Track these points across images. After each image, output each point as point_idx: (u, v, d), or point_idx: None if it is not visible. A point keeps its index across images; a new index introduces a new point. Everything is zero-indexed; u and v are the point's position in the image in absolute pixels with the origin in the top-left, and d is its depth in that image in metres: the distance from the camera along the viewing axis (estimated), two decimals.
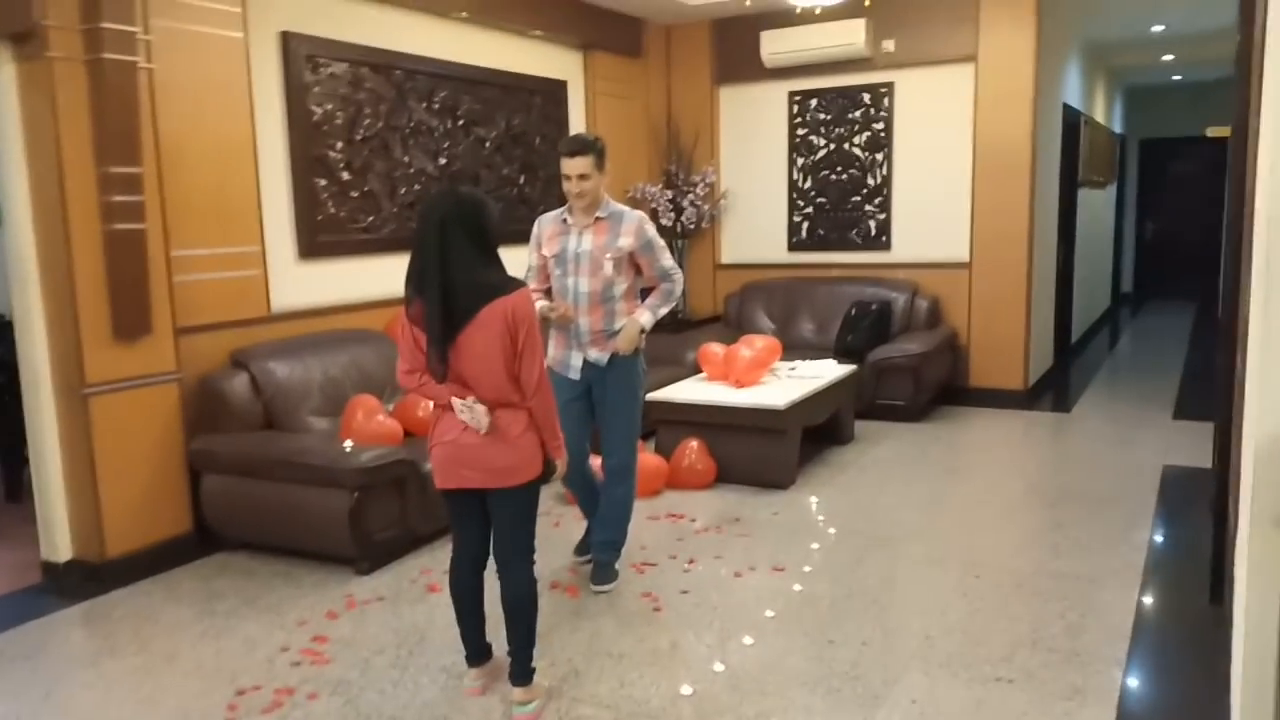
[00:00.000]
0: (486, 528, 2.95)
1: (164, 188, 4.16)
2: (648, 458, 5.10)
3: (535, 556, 2.99)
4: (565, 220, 3.66)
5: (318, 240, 5.02)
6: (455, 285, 2.70)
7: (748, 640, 3.35)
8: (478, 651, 3.06)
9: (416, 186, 5.65)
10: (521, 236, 6.42)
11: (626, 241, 3.60)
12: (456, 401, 2.78)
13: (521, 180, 6.48)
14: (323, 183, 5.05)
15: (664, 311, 3.72)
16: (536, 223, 3.83)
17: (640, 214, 3.68)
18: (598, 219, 3.61)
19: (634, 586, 3.85)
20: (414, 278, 2.77)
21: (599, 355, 3.68)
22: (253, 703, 3.04)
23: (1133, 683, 3.04)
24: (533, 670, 2.95)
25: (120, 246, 3.94)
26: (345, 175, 5.16)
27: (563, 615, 3.59)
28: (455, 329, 2.73)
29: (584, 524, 4.14)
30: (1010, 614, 3.52)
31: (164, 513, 4.23)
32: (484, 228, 2.77)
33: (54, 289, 3.92)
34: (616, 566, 3.85)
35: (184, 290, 4.31)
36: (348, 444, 4.09)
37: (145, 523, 4.15)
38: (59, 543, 4.08)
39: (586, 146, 3.53)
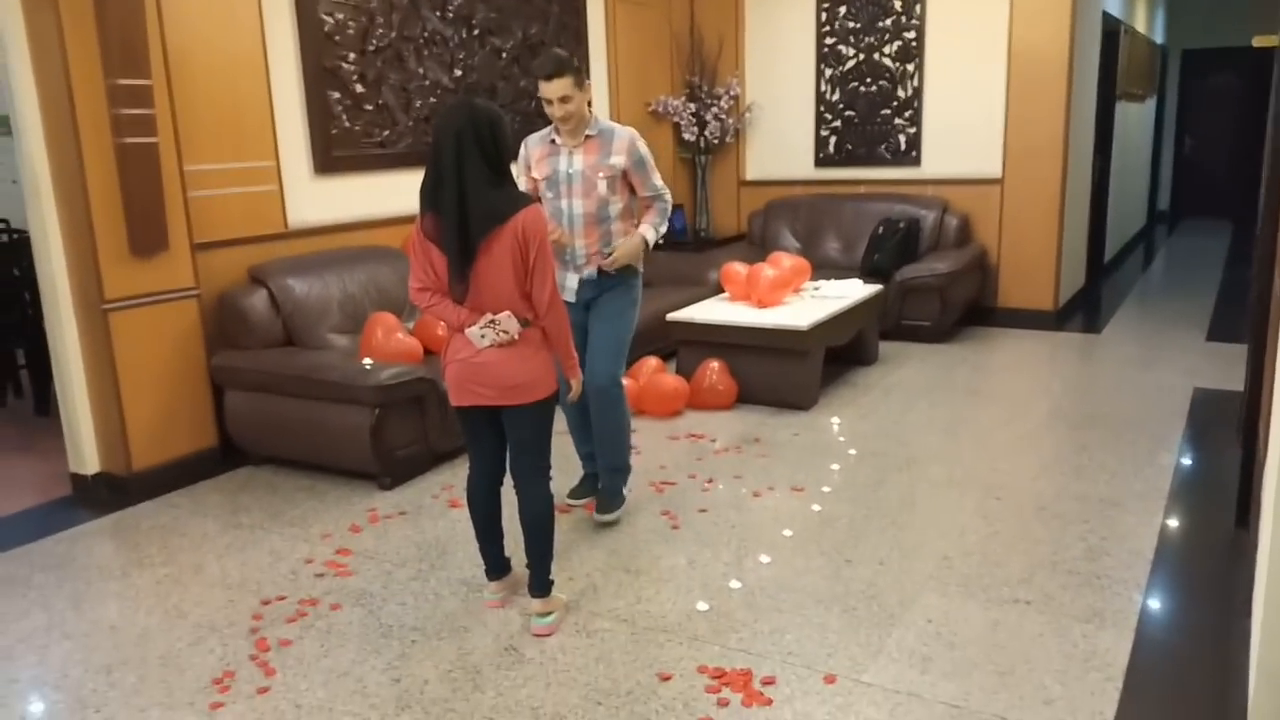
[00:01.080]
0: (502, 445, 2.95)
1: (175, 101, 4.09)
2: (667, 378, 5.08)
3: (552, 473, 2.98)
4: (554, 141, 3.50)
5: (332, 155, 4.94)
6: (470, 203, 2.64)
7: (764, 558, 3.36)
8: (496, 566, 3.09)
9: (432, 100, 5.53)
10: None
11: (619, 160, 3.46)
12: (471, 331, 2.75)
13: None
14: (336, 95, 4.95)
15: (662, 230, 3.62)
16: (523, 144, 3.61)
17: (631, 130, 3.53)
18: (587, 137, 3.47)
19: (653, 505, 3.86)
20: (429, 192, 2.71)
21: (593, 273, 3.57)
22: (277, 612, 3.09)
23: (1153, 605, 3.03)
24: (550, 583, 2.98)
25: (133, 161, 3.89)
26: (359, 88, 5.05)
27: (582, 532, 3.61)
28: (473, 249, 2.68)
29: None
30: (1030, 536, 3.51)
31: (188, 427, 4.28)
32: (498, 142, 2.70)
33: (69, 205, 3.90)
34: (625, 492, 3.75)
35: (200, 206, 4.27)
36: (367, 361, 4.08)
37: (170, 437, 4.20)
38: (86, 456, 4.14)
39: (563, 65, 3.32)
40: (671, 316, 5.26)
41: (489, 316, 2.74)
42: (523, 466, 2.92)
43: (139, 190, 3.93)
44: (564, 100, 3.35)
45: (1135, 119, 10.05)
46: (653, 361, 5.24)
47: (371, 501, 3.98)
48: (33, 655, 2.91)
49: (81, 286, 3.97)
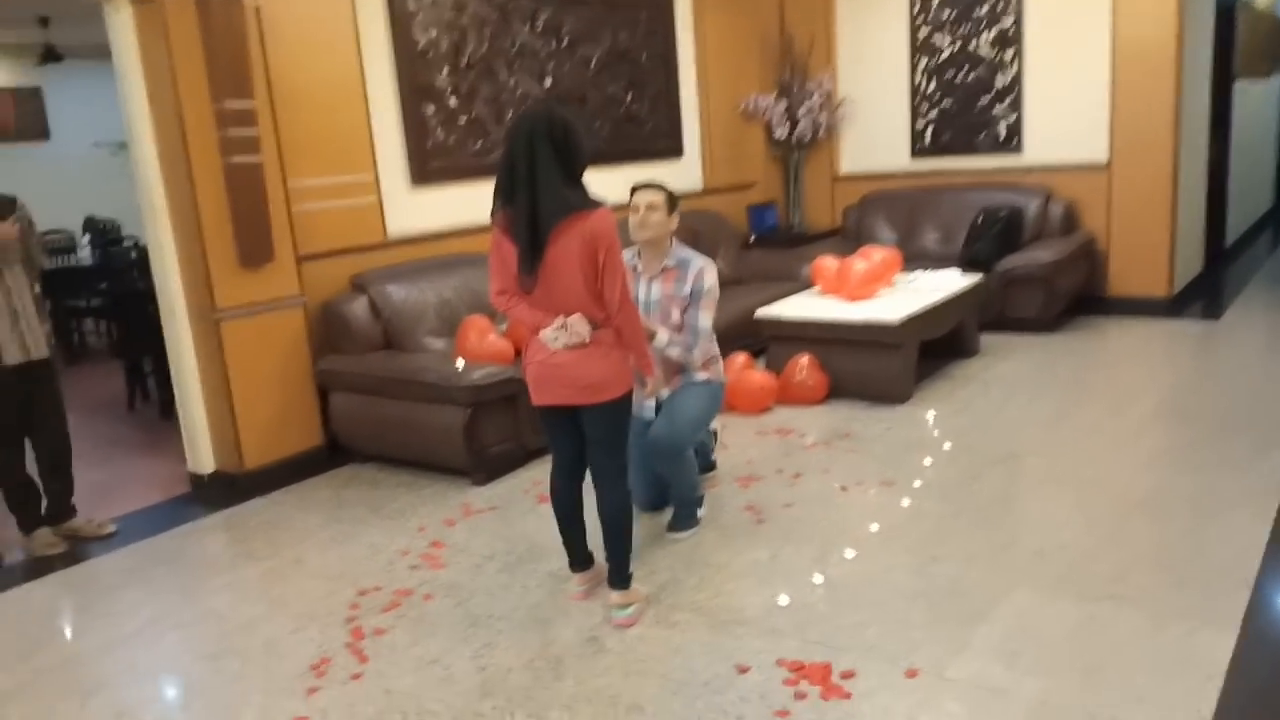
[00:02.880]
0: (581, 443, 3.01)
1: (278, 121, 4.32)
2: (755, 374, 5.08)
3: (629, 471, 3.03)
4: (635, 267, 3.51)
5: (429, 166, 5.12)
6: (541, 193, 2.72)
7: (849, 554, 3.33)
8: (579, 559, 3.16)
9: (523, 109, 5.67)
10: (630, 155, 6.47)
11: (689, 288, 3.46)
12: (546, 332, 2.83)
13: (629, 98, 6.42)
14: (431, 110, 5.13)
15: (675, 353, 3.42)
16: None
17: (707, 261, 3.50)
18: (665, 268, 3.49)
19: (737, 500, 3.87)
20: (502, 186, 2.80)
21: (671, 392, 3.54)
22: (373, 602, 3.23)
23: (1261, 603, 2.87)
24: (630, 576, 3.03)
25: (239, 179, 4.13)
26: (452, 102, 5.22)
27: (664, 526, 3.64)
28: (542, 237, 2.74)
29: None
30: (1130, 533, 3.37)
31: (296, 428, 4.50)
32: (571, 149, 2.76)
33: (182, 221, 4.16)
34: (699, 513, 3.65)
35: (303, 219, 4.49)
36: (460, 363, 4.22)
37: (279, 437, 4.43)
38: (202, 456, 4.41)
39: (661, 185, 3.45)
40: (760, 313, 5.25)
41: (561, 319, 2.81)
42: (600, 464, 2.98)
43: (246, 206, 4.17)
44: (651, 208, 3.38)
45: (1258, 98, 9.49)
46: (741, 358, 5.24)
47: (465, 497, 4.11)
48: (147, 644, 3.12)
49: (195, 297, 4.23)
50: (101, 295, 7.20)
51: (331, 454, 4.62)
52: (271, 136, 4.29)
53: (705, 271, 3.47)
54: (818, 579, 3.16)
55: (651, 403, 3.58)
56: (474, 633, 2.99)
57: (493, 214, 2.86)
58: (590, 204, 2.79)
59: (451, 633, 3.00)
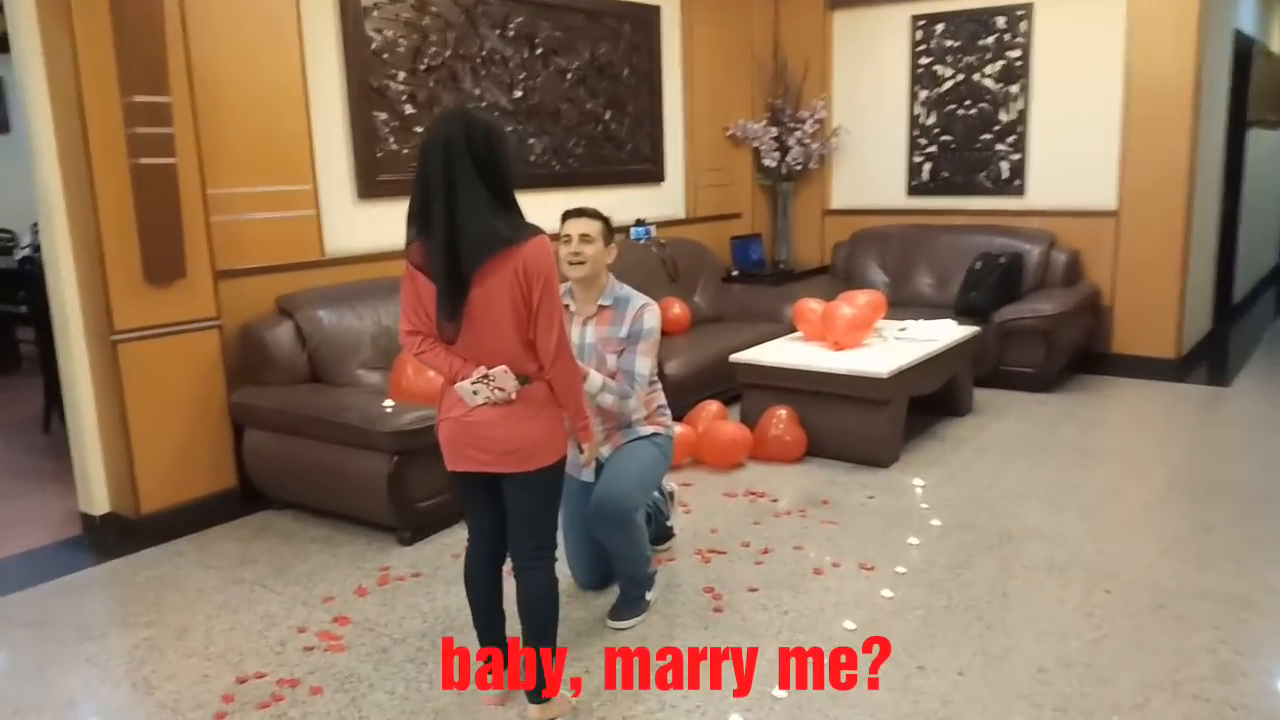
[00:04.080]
0: (503, 518, 2.51)
1: (199, 120, 3.83)
2: (728, 425, 4.60)
3: (558, 552, 2.53)
4: (568, 306, 3.06)
5: (377, 179, 4.64)
6: (463, 223, 2.23)
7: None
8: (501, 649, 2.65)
9: None
10: (606, 178, 6.02)
11: (625, 330, 3.03)
12: (463, 386, 2.34)
13: (607, 116, 5.96)
14: (383, 116, 4.65)
15: (608, 400, 2.96)
16: None
17: (647, 301, 3.06)
18: (601, 308, 3.05)
19: (695, 578, 3.38)
20: (416, 213, 2.32)
21: (609, 453, 3.11)
22: (251, 694, 2.72)
23: None
24: (553, 681, 2.52)
25: (148, 182, 3.64)
26: (408, 109, 4.75)
27: (604, 612, 3.13)
28: (466, 278, 2.26)
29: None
30: (1146, 644, 2.89)
31: (205, 468, 3.98)
32: (497, 159, 2.28)
33: (80, 227, 3.67)
34: (647, 598, 3.14)
35: (225, 231, 4.00)
36: (388, 403, 3.71)
37: (184, 478, 3.91)
38: (95, 495, 3.89)
39: (597, 213, 3.03)
40: (735, 357, 4.78)
41: (482, 370, 2.33)
42: (522, 545, 2.49)
43: (155, 214, 3.67)
44: (584, 238, 2.96)
45: (1269, 147, 9.13)
46: (714, 406, 4.77)
47: (386, 558, 3.61)
48: None
49: (92, 315, 3.72)
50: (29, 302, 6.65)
51: (245, 498, 4.10)
52: (190, 136, 3.79)
53: (646, 312, 3.02)
54: (778, 693, 2.66)
55: (591, 463, 3.09)
56: None
57: (407, 244, 2.37)
58: (523, 233, 2.31)
59: None
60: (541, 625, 2.48)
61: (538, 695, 2.50)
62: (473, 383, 2.33)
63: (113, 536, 3.84)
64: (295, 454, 3.86)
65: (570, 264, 2.99)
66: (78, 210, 3.65)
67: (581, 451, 2.67)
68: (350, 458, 3.68)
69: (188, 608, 3.27)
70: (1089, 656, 2.82)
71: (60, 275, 3.72)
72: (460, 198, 2.22)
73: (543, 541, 2.49)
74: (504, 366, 2.32)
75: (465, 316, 2.30)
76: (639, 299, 3.06)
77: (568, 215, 3.05)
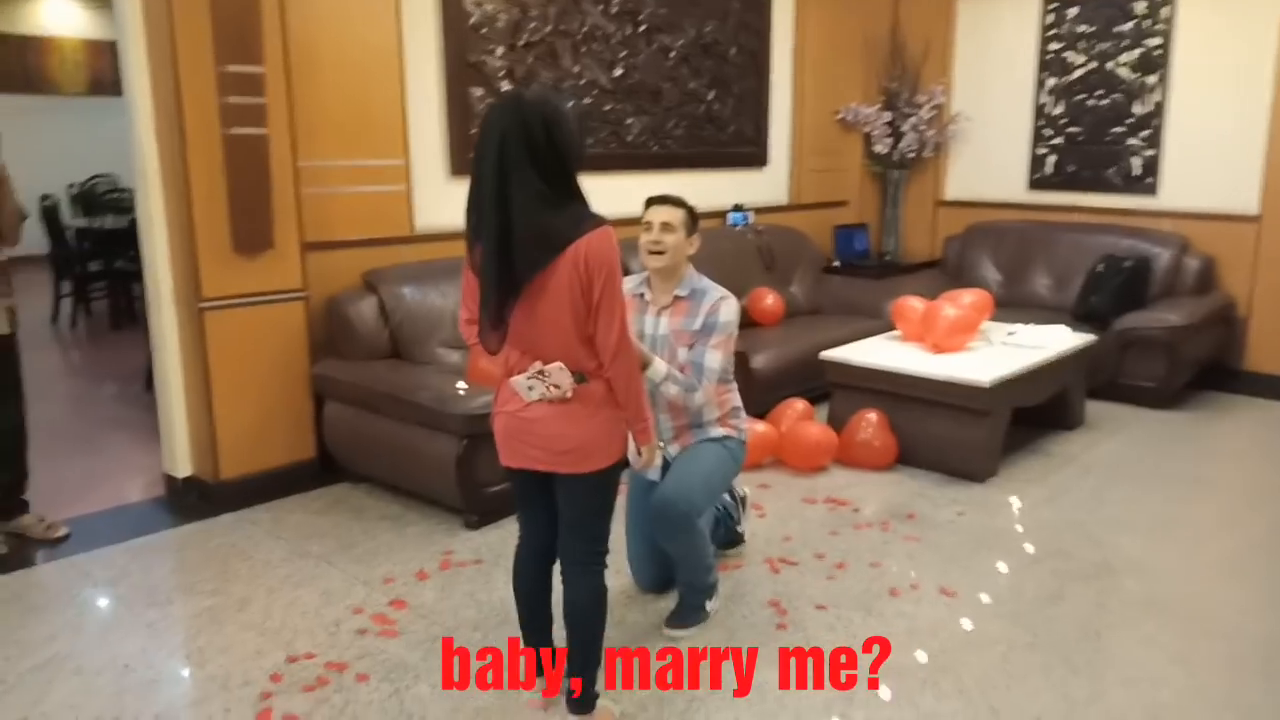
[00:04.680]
0: (555, 516, 2.41)
1: (292, 91, 3.83)
2: (814, 427, 4.40)
3: (609, 559, 2.42)
4: (643, 296, 2.93)
5: (471, 156, 4.57)
6: (518, 228, 2.11)
7: (884, 694, 2.65)
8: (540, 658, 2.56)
9: (587, 100, 5.10)
10: (707, 160, 5.85)
11: (700, 322, 2.88)
12: (518, 381, 2.24)
13: (710, 96, 5.78)
14: (479, 92, 4.59)
15: (672, 390, 2.79)
16: None
17: (726, 294, 2.92)
18: (677, 298, 2.90)
19: (761, 589, 3.23)
20: (471, 214, 2.22)
21: (677, 451, 2.97)
22: (298, 675, 2.71)
23: None
24: (596, 696, 2.42)
25: (239, 153, 3.66)
26: (505, 85, 4.67)
27: (659, 619, 3.00)
28: (517, 286, 2.16)
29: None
30: (1244, 702, 2.61)
31: (284, 438, 4.03)
32: (558, 146, 2.13)
33: (174, 196, 3.72)
34: (708, 606, 3.02)
35: (315, 203, 4.01)
36: (462, 385, 3.66)
37: (264, 446, 3.96)
38: (179, 458, 3.97)
39: (681, 200, 2.89)
40: (826, 355, 4.57)
41: (538, 365, 2.22)
42: (571, 548, 2.39)
43: (245, 184, 3.70)
44: (665, 227, 2.83)
45: None
46: (799, 405, 4.57)
47: (451, 542, 3.57)
48: (33, 691, 2.65)
49: (182, 282, 3.78)
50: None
51: (324, 469, 4.13)
52: (283, 108, 3.80)
53: (722, 304, 2.88)
54: None
55: (658, 462, 2.97)
56: None
57: (468, 245, 2.26)
58: (585, 225, 2.17)
59: None
60: (587, 634, 2.38)
61: (580, 706, 2.40)
62: (528, 378, 2.24)
63: (193, 499, 3.92)
64: (371, 429, 3.86)
65: (649, 253, 2.87)
66: (171, 178, 3.70)
67: (640, 454, 2.54)
68: (422, 437, 3.66)
69: (253, 579, 3.30)
70: (1183, 710, 2.57)
71: (153, 240, 3.79)
72: (514, 196, 2.10)
73: (594, 547, 2.38)
74: (560, 363, 2.21)
75: (522, 309, 2.19)
76: (716, 291, 2.91)
77: (651, 202, 2.93)
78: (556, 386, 2.22)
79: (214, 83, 3.58)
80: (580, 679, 2.39)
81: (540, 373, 2.22)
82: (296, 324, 3.99)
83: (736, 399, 3.05)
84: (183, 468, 3.97)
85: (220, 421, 3.81)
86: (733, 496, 3.43)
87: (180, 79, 3.53)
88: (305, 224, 3.95)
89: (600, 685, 2.44)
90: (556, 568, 2.48)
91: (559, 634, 2.53)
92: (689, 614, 2.97)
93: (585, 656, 2.39)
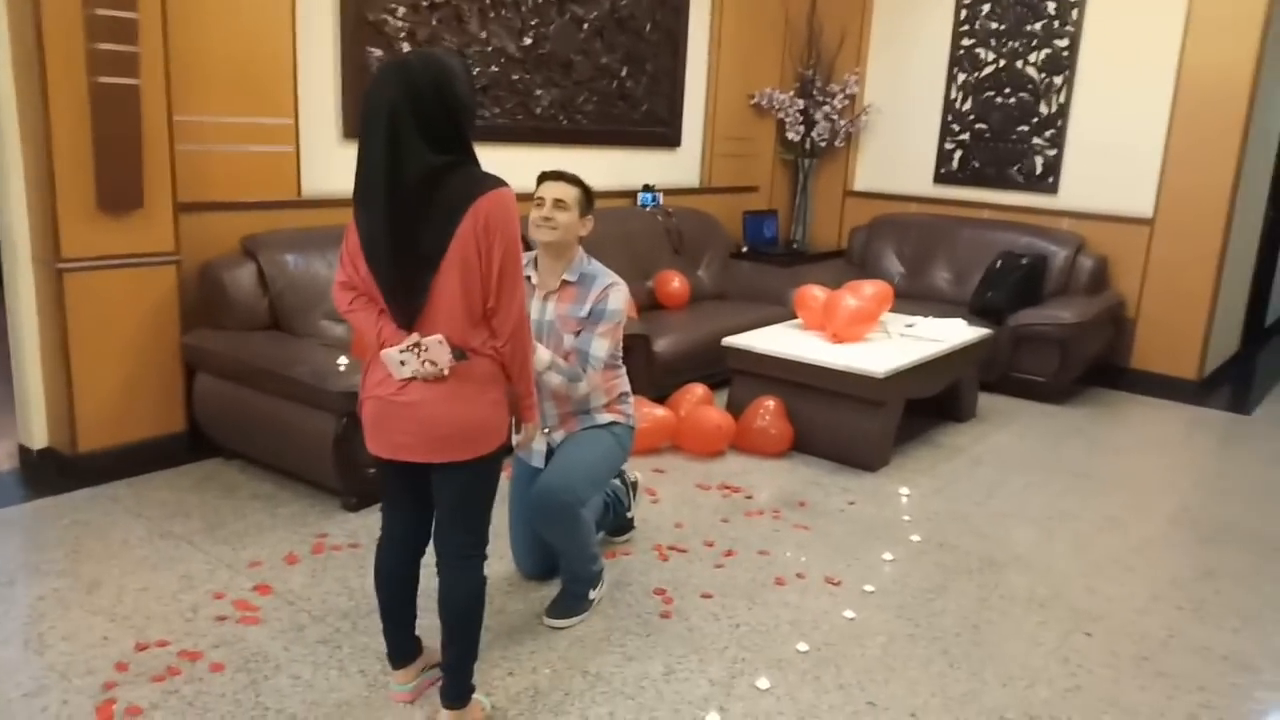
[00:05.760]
0: (428, 509, 2.27)
1: (169, 40, 3.58)
2: (712, 412, 4.35)
3: (489, 548, 2.30)
4: (529, 279, 2.81)
5: None
6: (412, 203, 1.99)
7: (762, 683, 2.60)
8: (403, 652, 2.43)
9: (494, 68, 4.93)
10: (617, 138, 5.72)
11: (586, 309, 2.79)
12: (389, 354, 2.09)
13: (624, 73, 5.66)
14: (377, 53, 4.38)
15: (555, 380, 2.71)
16: None
17: (616, 280, 2.83)
18: (565, 283, 2.80)
19: (648, 576, 3.16)
20: (357, 189, 2.06)
21: (561, 438, 2.88)
22: (147, 664, 2.52)
23: None
24: (471, 690, 2.30)
25: (107, 103, 3.39)
26: (405, 47, 4.47)
27: (541, 607, 2.91)
28: (432, 260, 2.02)
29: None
30: (1122, 701, 2.64)
31: (152, 409, 3.78)
32: (451, 108, 2.01)
33: (33, 147, 3.43)
34: (591, 596, 2.92)
35: (191, 161, 3.77)
36: (343, 360, 3.49)
37: (128, 418, 3.71)
38: (34, 428, 3.71)
39: (577, 179, 2.79)
40: (727, 341, 4.51)
41: (414, 338, 2.07)
42: (448, 541, 2.24)
43: (112, 138, 3.43)
44: (558, 204, 2.72)
45: None
46: (699, 390, 4.51)
47: (326, 524, 3.40)
48: None
49: (40, 240, 3.51)
50: None
51: (194, 444, 3.90)
52: (158, 56, 3.54)
53: (611, 291, 2.78)
54: (713, 718, 2.44)
55: (542, 448, 2.87)
56: None
57: (355, 200, 2.09)
58: (484, 184, 2.04)
59: None
60: (464, 629, 2.25)
61: (454, 701, 2.27)
62: (401, 351, 2.08)
63: (50, 473, 3.66)
64: (245, 404, 3.66)
65: (538, 227, 2.74)
66: (29, 126, 3.42)
67: (518, 433, 2.43)
68: (298, 414, 3.47)
69: (106, 559, 3.08)
70: (1058, 708, 2.58)
71: (9, 194, 3.50)
72: (408, 173, 1.98)
73: (473, 539, 2.24)
74: (439, 336, 2.06)
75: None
76: (606, 277, 2.81)
77: (545, 177, 2.81)
78: (433, 363, 2.07)
79: (81, 26, 3.31)
80: (455, 675, 2.27)
81: (416, 345, 2.07)
82: (167, 289, 3.74)
83: (625, 384, 2.96)
84: (38, 439, 3.70)
85: (80, 391, 3.56)
86: (623, 482, 3.34)
87: (42, 20, 3.24)
88: (179, 183, 3.70)
89: (476, 678, 2.32)
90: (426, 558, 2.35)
91: (425, 626, 2.41)
92: (571, 603, 2.87)
93: (460, 652, 2.26)
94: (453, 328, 2.07)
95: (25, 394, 3.68)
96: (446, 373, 2.09)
